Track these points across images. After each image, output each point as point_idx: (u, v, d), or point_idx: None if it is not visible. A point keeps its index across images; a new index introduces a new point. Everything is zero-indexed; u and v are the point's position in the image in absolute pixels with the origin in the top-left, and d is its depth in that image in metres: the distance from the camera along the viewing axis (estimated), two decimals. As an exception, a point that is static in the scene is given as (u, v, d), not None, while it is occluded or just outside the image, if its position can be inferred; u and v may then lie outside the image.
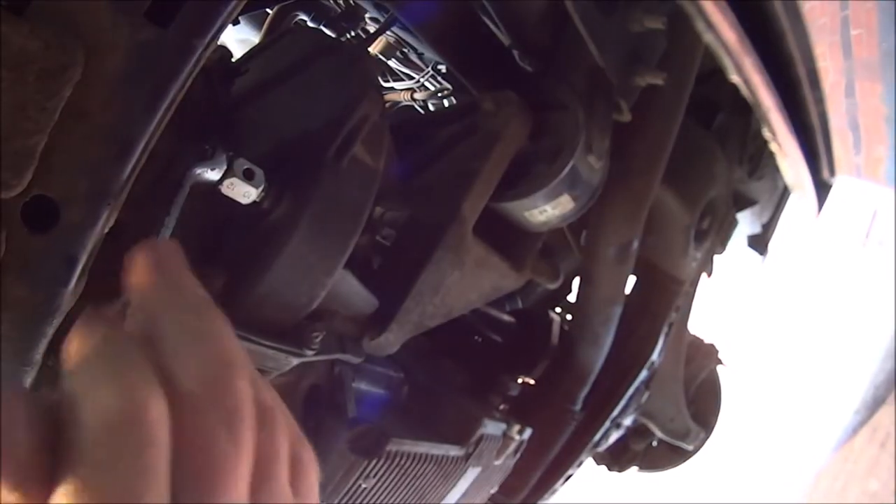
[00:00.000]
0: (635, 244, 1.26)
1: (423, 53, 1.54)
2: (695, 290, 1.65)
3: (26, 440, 0.27)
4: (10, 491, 0.26)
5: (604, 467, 2.05)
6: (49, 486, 0.27)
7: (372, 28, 1.43)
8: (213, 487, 0.29)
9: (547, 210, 1.04)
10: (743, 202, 1.70)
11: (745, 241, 1.91)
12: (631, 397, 1.57)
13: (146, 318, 0.32)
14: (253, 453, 0.31)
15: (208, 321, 0.33)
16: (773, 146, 1.33)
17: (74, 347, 0.30)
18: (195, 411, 0.29)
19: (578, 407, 1.45)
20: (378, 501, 1.01)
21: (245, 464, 0.30)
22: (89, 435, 0.27)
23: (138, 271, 0.34)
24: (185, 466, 0.28)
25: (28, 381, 0.52)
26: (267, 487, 0.32)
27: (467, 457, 1.14)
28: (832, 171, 1.51)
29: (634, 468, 2.08)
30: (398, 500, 1.04)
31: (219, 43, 0.74)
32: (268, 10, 1.35)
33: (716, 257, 1.64)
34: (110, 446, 0.27)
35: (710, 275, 1.66)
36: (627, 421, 1.76)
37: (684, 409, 1.85)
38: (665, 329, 1.55)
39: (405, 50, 1.56)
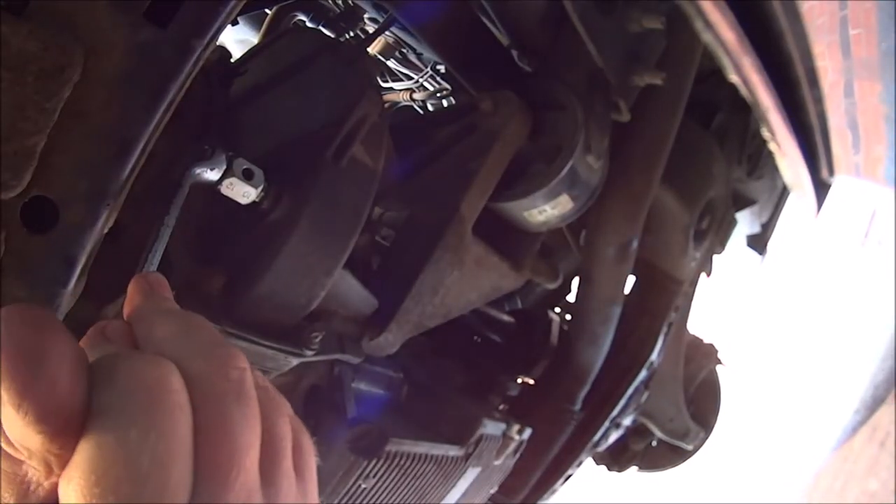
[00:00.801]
0: (634, 244, 1.26)
1: (421, 54, 1.54)
2: (694, 290, 1.65)
3: (68, 377, 0.27)
4: (35, 422, 0.27)
5: (603, 467, 2.05)
6: (76, 433, 0.27)
7: (371, 28, 1.43)
8: (230, 456, 0.29)
9: (546, 210, 1.04)
10: (742, 202, 1.70)
11: (744, 241, 1.91)
12: (630, 397, 1.57)
13: (140, 324, 0.35)
14: (260, 431, 0.32)
15: (194, 317, 0.35)
16: (771, 146, 1.33)
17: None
18: (205, 385, 0.30)
19: (578, 407, 1.45)
20: (378, 501, 1.01)
21: (257, 436, 0.31)
22: (124, 395, 0.28)
23: (131, 297, 0.37)
24: (205, 435, 0.29)
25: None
26: (278, 468, 0.33)
27: (467, 457, 1.14)
28: (831, 171, 1.51)
29: (634, 468, 2.08)
30: (398, 500, 1.04)
31: (218, 43, 0.74)
32: (267, 10, 1.35)
33: (715, 257, 1.64)
34: (145, 406, 0.28)
35: (709, 274, 1.66)
36: (627, 421, 1.76)
37: (684, 409, 1.85)
38: (664, 329, 1.55)
39: (404, 50, 1.56)
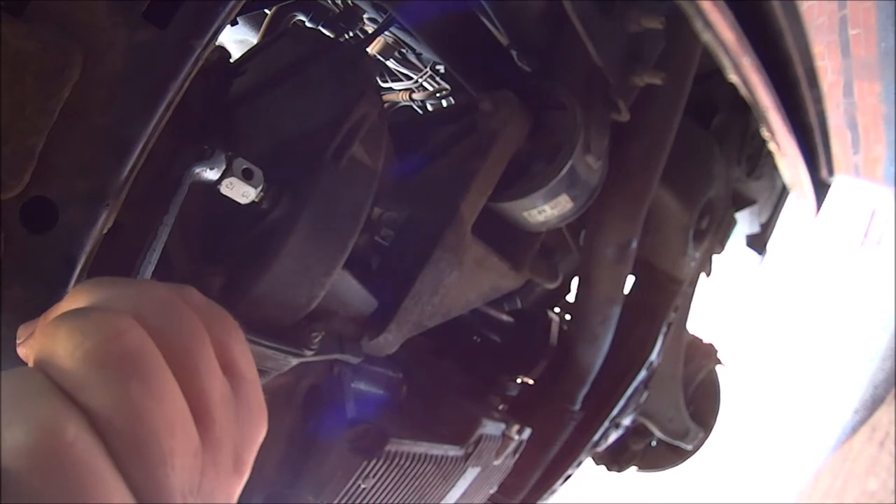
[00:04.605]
0: (634, 244, 1.26)
1: (421, 54, 1.54)
2: (693, 290, 1.65)
3: None
4: None
5: (603, 467, 2.06)
6: None
7: (370, 28, 1.43)
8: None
9: (546, 210, 1.04)
10: (741, 202, 1.70)
11: (743, 241, 1.92)
12: (630, 397, 1.57)
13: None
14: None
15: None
16: (771, 145, 1.33)
17: None
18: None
19: (577, 407, 1.45)
20: (377, 501, 1.01)
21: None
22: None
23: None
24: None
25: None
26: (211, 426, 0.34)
27: (466, 457, 1.14)
28: (830, 171, 1.51)
29: (633, 468, 2.08)
30: (397, 500, 1.04)
31: (217, 43, 0.74)
32: (266, 10, 1.35)
33: (714, 257, 1.64)
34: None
35: (708, 275, 1.66)
36: (626, 421, 1.76)
37: (683, 409, 1.85)
38: (664, 329, 1.55)
39: (403, 50, 1.56)
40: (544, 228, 1.12)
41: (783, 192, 1.86)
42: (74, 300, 0.37)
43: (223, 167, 0.66)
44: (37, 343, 0.33)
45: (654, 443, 2.04)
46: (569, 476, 1.68)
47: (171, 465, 0.31)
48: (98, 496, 0.28)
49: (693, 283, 1.61)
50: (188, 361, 0.34)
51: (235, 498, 0.37)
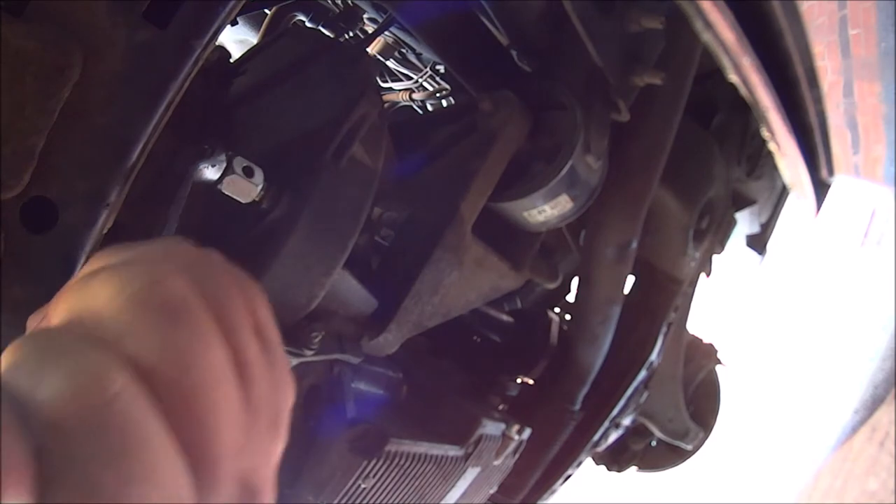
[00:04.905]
0: (634, 244, 1.26)
1: (421, 54, 1.54)
2: (693, 290, 1.65)
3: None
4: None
5: (603, 467, 2.05)
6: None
7: (370, 28, 1.43)
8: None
9: (546, 210, 1.04)
10: (741, 202, 1.70)
11: (743, 241, 1.92)
12: (630, 397, 1.57)
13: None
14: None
15: None
16: (771, 145, 1.33)
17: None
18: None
19: (577, 407, 1.45)
20: (377, 501, 1.00)
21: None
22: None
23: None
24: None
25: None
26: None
27: (466, 457, 1.14)
28: (830, 171, 1.51)
29: (633, 468, 2.08)
30: (397, 500, 1.04)
31: (217, 43, 0.74)
32: (266, 10, 1.35)
33: (714, 257, 1.64)
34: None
35: (708, 275, 1.66)
36: (626, 421, 1.76)
37: (683, 409, 1.85)
38: (664, 329, 1.55)
39: (403, 50, 1.56)
40: (544, 228, 1.12)
41: (783, 192, 1.86)
42: (96, 264, 0.32)
43: (224, 165, 0.66)
44: (62, 304, 0.30)
45: (654, 443, 2.03)
46: (569, 476, 1.68)
47: (223, 420, 0.28)
48: (145, 453, 0.25)
49: (693, 283, 1.61)
50: (226, 316, 0.31)
51: (276, 464, 0.35)
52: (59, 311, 0.30)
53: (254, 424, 0.31)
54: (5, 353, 0.27)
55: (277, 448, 0.34)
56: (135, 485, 0.24)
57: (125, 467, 0.24)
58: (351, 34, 1.38)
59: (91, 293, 0.29)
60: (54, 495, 0.23)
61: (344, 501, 0.95)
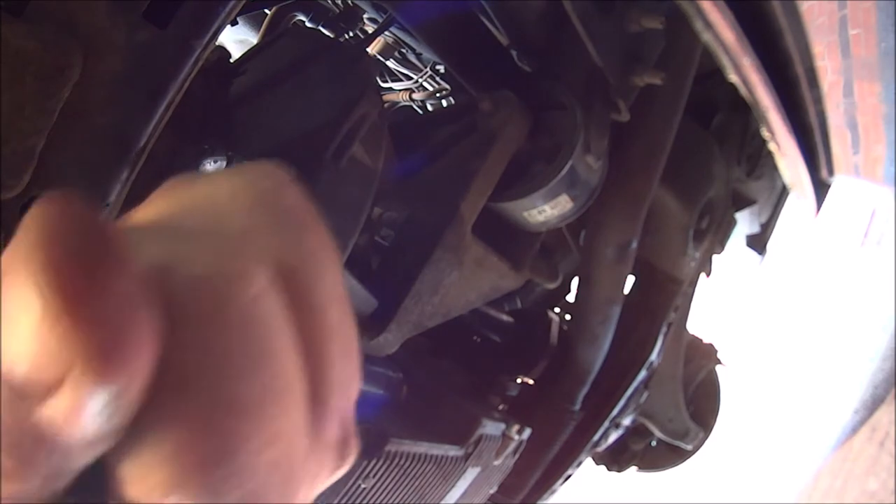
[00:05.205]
0: (634, 244, 1.26)
1: (421, 54, 1.54)
2: (693, 290, 1.65)
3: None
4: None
5: (603, 467, 2.05)
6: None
7: (370, 28, 1.43)
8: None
9: (546, 210, 1.04)
10: (741, 202, 1.70)
11: (743, 241, 1.92)
12: (630, 397, 1.57)
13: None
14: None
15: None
16: (771, 145, 1.33)
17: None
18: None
19: (577, 407, 1.45)
20: (377, 501, 1.00)
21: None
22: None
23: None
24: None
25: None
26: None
27: (466, 457, 1.14)
28: (830, 171, 1.51)
29: (633, 468, 2.08)
30: (397, 500, 1.04)
31: (217, 43, 0.74)
32: (266, 10, 1.35)
33: (714, 257, 1.64)
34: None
35: (708, 275, 1.66)
36: (626, 421, 1.76)
37: (683, 409, 1.85)
38: (664, 329, 1.55)
39: (403, 50, 1.56)
40: (544, 228, 1.12)
41: (783, 192, 1.86)
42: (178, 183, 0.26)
43: (224, 165, 0.66)
44: (160, 201, 0.24)
45: (654, 443, 2.03)
46: (569, 476, 1.68)
47: (340, 345, 0.23)
48: (280, 372, 0.20)
49: (693, 283, 1.61)
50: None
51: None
52: (157, 208, 0.25)
53: (352, 360, 0.25)
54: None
55: (355, 394, 0.27)
56: (267, 405, 0.20)
57: (259, 384, 0.19)
58: (351, 34, 1.38)
59: (205, 191, 0.24)
60: (169, 398, 0.18)
61: (344, 501, 0.95)
